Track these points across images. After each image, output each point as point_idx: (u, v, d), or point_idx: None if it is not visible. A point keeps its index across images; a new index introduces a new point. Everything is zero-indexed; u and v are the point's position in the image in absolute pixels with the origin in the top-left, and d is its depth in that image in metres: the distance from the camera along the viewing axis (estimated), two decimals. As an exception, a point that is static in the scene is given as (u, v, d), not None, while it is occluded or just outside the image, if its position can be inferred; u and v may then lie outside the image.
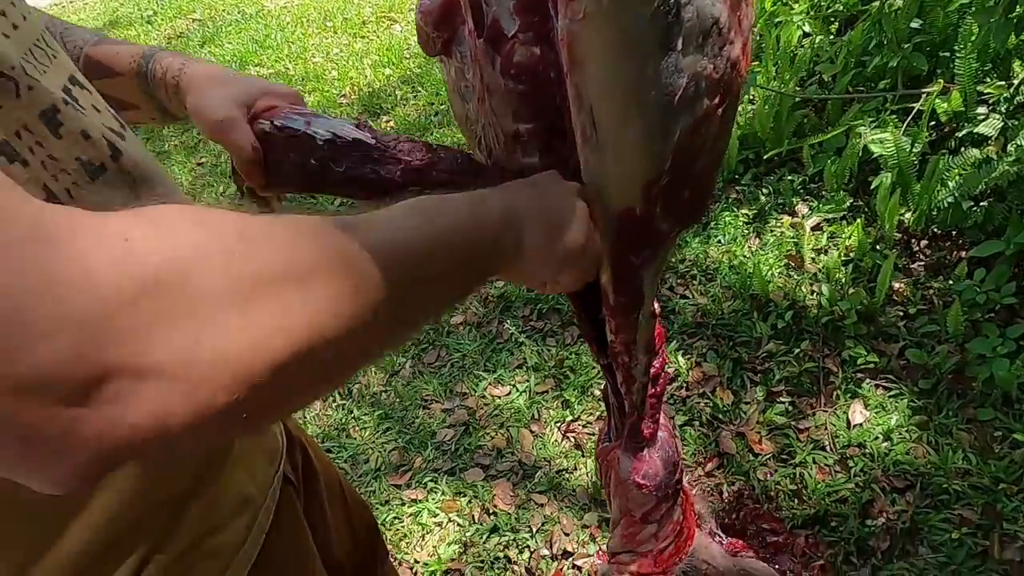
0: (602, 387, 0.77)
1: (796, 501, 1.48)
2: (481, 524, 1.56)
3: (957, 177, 1.82)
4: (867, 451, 1.52)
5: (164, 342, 0.26)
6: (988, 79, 1.95)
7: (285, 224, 0.32)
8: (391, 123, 3.04)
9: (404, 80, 3.33)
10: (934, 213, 1.87)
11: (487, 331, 2.00)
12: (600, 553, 1.47)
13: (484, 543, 1.52)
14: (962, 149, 1.90)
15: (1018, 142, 1.73)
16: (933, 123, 1.99)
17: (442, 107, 3.03)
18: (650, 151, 0.49)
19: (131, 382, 0.25)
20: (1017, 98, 1.87)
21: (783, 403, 1.65)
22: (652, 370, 0.67)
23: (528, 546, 1.51)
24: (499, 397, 1.82)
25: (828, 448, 1.55)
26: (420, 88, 3.22)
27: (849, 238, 1.93)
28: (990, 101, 1.92)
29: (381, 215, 0.39)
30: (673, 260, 2.03)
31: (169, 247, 0.27)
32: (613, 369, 0.66)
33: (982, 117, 1.89)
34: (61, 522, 0.47)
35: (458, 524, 1.57)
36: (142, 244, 0.26)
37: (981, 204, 1.81)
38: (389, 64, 3.49)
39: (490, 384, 1.85)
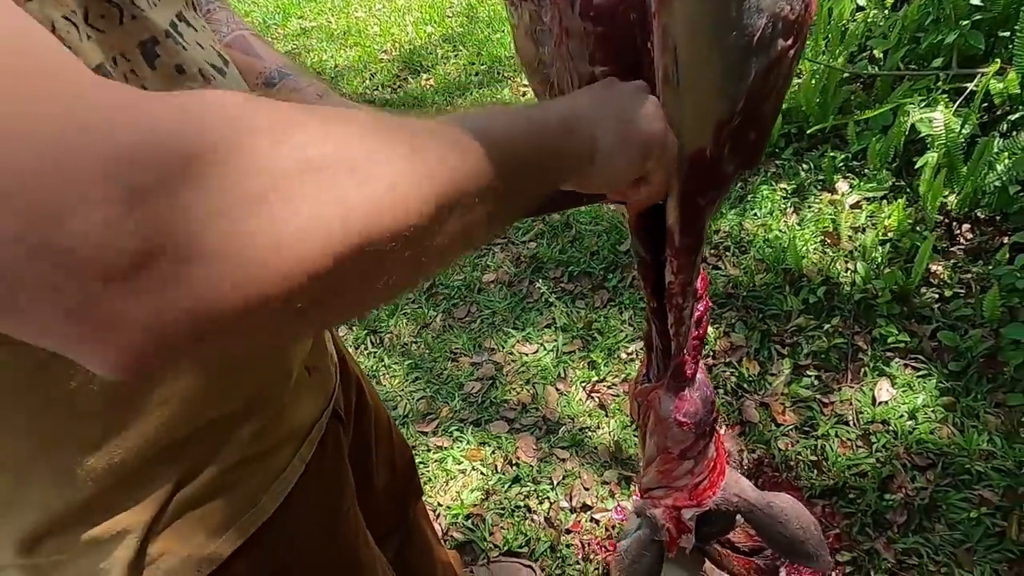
0: (644, 332, 0.79)
1: (815, 472, 1.49)
2: (503, 474, 1.60)
3: (1007, 160, 1.78)
4: (891, 428, 1.53)
5: (211, 223, 0.25)
6: (1048, 61, 1.89)
7: (338, 115, 0.31)
8: (431, 81, 3.05)
9: (445, 39, 3.32)
10: (979, 197, 1.84)
11: (518, 290, 2.03)
12: (619, 508, 1.51)
13: (506, 492, 1.57)
14: (1014, 132, 1.86)
15: (1074, 127, 1.69)
16: (985, 104, 1.94)
17: (482, 67, 3.02)
18: (725, 92, 0.51)
19: (178, 264, 0.24)
20: (1077, 82, 1.82)
21: (809, 376, 1.66)
22: (696, 313, 0.69)
23: (548, 497, 1.55)
24: (527, 354, 1.85)
25: (851, 423, 1.56)
26: (461, 47, 3.21)
27: (888, 218, 1.91)
28: (1048, 84, 1.86)
29: (435, 121, 0.37)
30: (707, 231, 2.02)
31: (232, 120, 0.26)
32: (663, 312, 0.68)
33: (1038, 100, 1.84)
34: (114, 427, 0.48)
35: (481, 472, 1.62)
36: (199, 116, 0.26)
37: (1029, 190, 1.77)
38: (431, 22, 3.48)
39: (518, 341, 1.89)
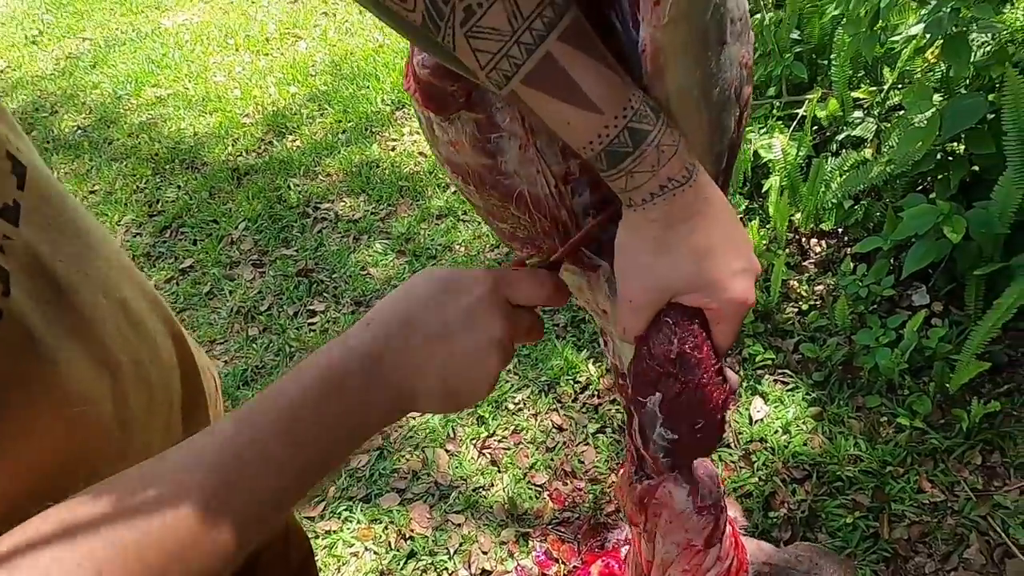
0: (627, 427, 0.73)
1: (705, 499, 1.52)
2: (398, 550, 1.53)
3: (839, 178, 1.93)
4: (768, 445, 1.58)
5: None
6: (862, 85, 2.08)
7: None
8: (297, 143, 2.98)
9: (310, 98, 3.27)
10: (820, 213, 1.97)
11: (400, 351, 1.98)
12: (519, 569, 1.47)
13: (401, 569, 1.50)
14: (842, 152, 2.02)
15: (890, 143, 1.85)
16: (816, 127, 2.10)
17: (349, 124, 2.99)
18: (714, 150, 0.50)
19: None
20: (888, 101, 2.01)
21: (690, 404, 1.69)
22: None
23: (446, 568, 1.49)
24: (413, 418, 1.80)
25: (733, 444, 1.61)
26: (327, 106, 3.17)
27: (745, 240, 2.01)
28: (864, 105, 2.04)
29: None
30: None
31: None
32: None
33: (858, 121, 2.02)
34: None
35: (374, 552, 1.54)
36: None
37: (861, 203, 1.93)
38: (294, 82, 3.42)
39: (404, 405, 1.83)
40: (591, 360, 1.83)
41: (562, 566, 1.46)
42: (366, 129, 2.94)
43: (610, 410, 1.71)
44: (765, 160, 2.06)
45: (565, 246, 0.55)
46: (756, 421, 1.63)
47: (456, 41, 0.41)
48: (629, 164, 0.44)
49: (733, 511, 1.50)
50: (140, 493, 0.36)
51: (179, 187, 2.83)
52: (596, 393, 1.77)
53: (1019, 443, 1.45)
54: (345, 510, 1.62)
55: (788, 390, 1.67)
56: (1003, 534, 1.34)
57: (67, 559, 0.33)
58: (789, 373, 1.70)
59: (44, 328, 0.41)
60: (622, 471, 0.80)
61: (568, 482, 1.61)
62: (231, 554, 0.37)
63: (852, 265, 1.82)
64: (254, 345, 2.07)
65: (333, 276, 2.26)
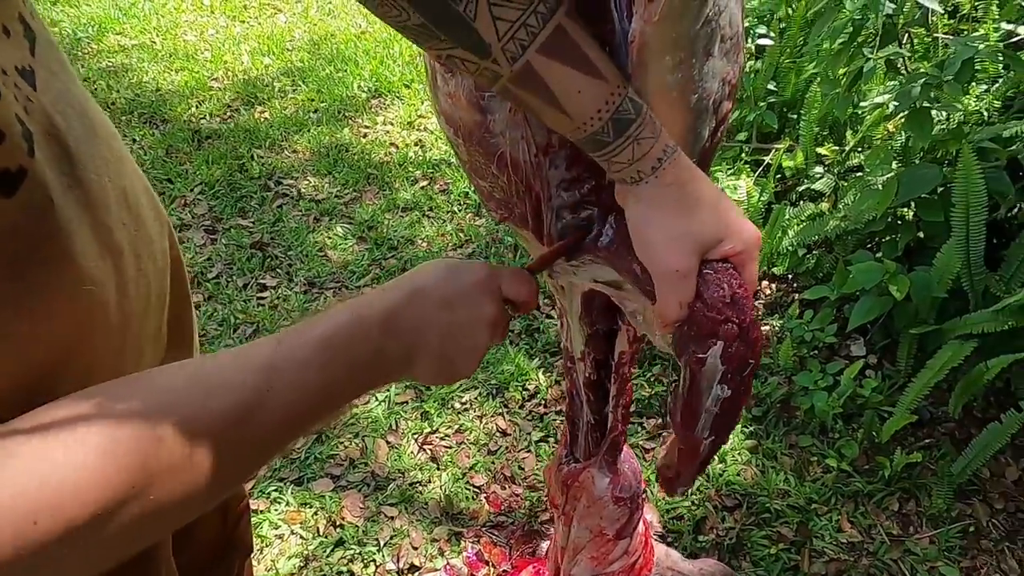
0: (567, 408, 0.75)
1: (638, 517, 1.54)
2: (326, 537, 1.49)
3: (796, 227, 2.02)
4: (704, 472, 1.62)
5: None
6: (826, 142, 2.20)
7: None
8: (266, 114, 2.90)
9: (284, 72, 3.19)
10: (774, 257, 2.06)
11: (350, 337, 1.94)
12: (448, 567, 1.45)
13: (327, 557, 1.46)
14: (801, 202, 2.12)
15: (846, 201, 1.95)
16: (779, 176, 2.20)
17: (322, 105, 2.94)
18: (686, 153, 0.52)
19: None
20: (848, 161, 2.12)
21: (634, 424, 1.73)
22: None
23: (374, 560, 1.46)
24: (357, 405, 1.76)
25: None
26: (301, 83, 3.10)
27: (702, 273, 2.08)
28: (826, 162, 2.15)
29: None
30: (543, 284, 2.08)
31: None
32: (601, 385, 0.66)
33: (819, 176, 2.12)
34: None
35: (300, 537, 1.49)
36: None
37: (813, 252, 2.02)
38: (269, 53, 3.34)
39: (348, 392, 1.79)
40: (542, 369, 1.84)
41: (492, 569, 1.45)
42: (339, 112, 2.90)
43: (555, 420, 1.73)
44: (729, 200, 2.13)
45: (538, 259, 0.61)
46: (695, 447, 1.67)
47: (478, 9, 0.42)
48: (635, 130, 0.47)
49: (651, 515, 1.54)
50: (189, 381, 0.38)
51: (134, 140, 2.71)
52: (544, 402, 1.78)
53: (933, 494, 1.54)
54: (275, 491, 1.57)
55: (728, 421, 1.72)
56: (911, 578, 1.42)
57: (95, 432, 0.33)
58: (730, 405, 1.76)
59: (61, 197, 0.40)
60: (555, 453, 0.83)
61: (506, 487, 1.61)
62: (254, 462, 0.40)
63: (799, 310, 1.91)
64: (197, 312, 1.99)
65: (288, 253, 2.20)
